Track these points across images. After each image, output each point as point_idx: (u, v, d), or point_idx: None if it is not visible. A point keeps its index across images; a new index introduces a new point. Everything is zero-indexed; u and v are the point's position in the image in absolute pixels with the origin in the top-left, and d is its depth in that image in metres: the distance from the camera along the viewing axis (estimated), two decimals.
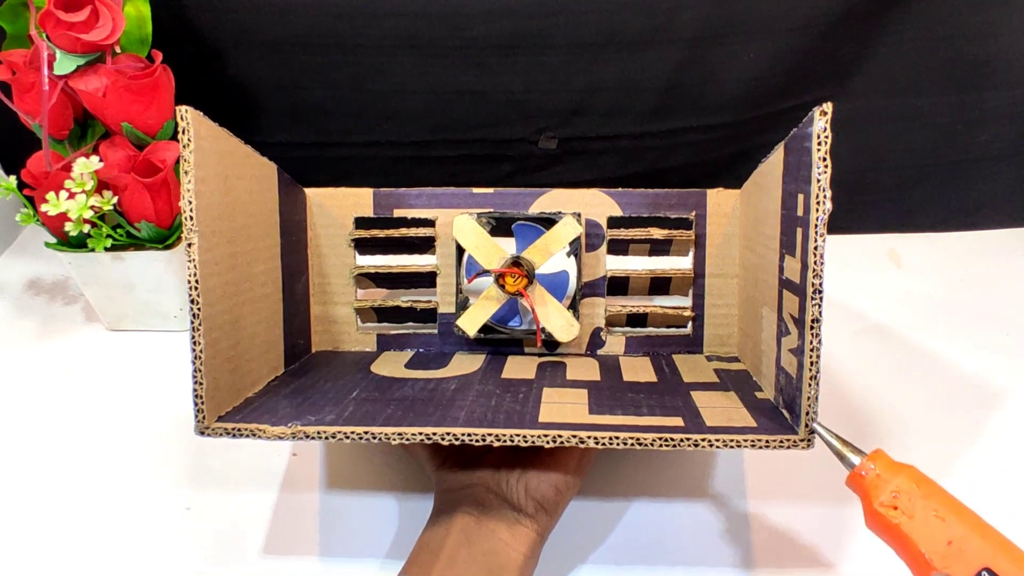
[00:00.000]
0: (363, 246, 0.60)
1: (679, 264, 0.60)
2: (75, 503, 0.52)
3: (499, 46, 0.71)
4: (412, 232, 0.59)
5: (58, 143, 0.62)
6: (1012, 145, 0.81)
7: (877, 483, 0.37)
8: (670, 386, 0.51)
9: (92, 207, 0.58)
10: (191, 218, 0.42)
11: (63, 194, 0.58)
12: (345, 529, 0.52)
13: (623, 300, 0.60)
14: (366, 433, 0.41)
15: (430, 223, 0.58)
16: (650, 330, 0.60)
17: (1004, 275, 0.78)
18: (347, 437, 0.41)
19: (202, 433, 0.42)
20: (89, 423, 0.59)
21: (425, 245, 0.60)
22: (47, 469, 0.55)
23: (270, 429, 0.42)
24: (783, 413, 0.45)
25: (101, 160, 0.59)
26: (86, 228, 0.59)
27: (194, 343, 0.42)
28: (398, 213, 0.58)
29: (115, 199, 0.60)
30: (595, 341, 0.59)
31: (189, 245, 0.42)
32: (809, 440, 0.41)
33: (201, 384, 0.42)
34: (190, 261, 0.42)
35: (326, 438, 0.41)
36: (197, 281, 0.42)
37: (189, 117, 0.42)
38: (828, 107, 0.40)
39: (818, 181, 0.40)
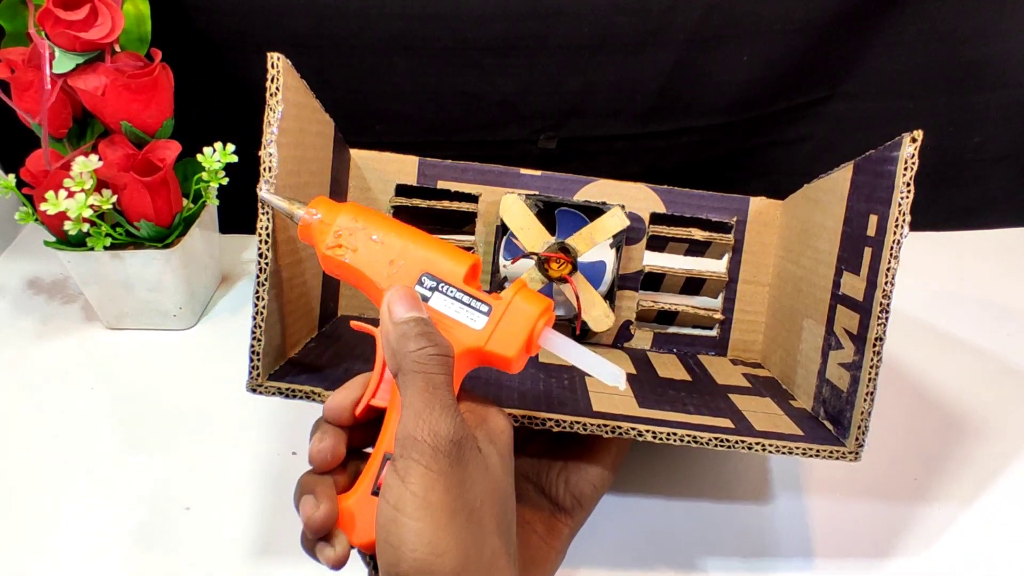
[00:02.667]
0: (401, 215, 0.58)
1: (714, 267, 0.60)
2: (75, 502, 0.53)
3: (495, 48, 0.71)
4: (454, 206, 0.58)
5: (57, 142, 0.63)
6: (1006, 146, 0.82)
7: (322, 228, 0.37)
8: (706, 386, 0.51)
9: (91, 206, 0.58)
10: (269, 169, 0.41)
11: (62, 193, 0.58)
12: None
13: (656, 296, 0.61)
14: None
15: (473, 199, 0.58)
16: (678, 329, 0.61)
17: (1002, 275, 0.78)
18: None
19: (254, 391, 0.41)
20: (88, 422, 0.59)
21: (465, 221, 0.59)
22: (46, 468, 0.55)
23: (325, 393, 0.41)
24: (824, 424, 0.46)
25: (100, 159, 0.59)
26: (85, 227, 0.59)
27: (257, 298, 0.41)
28: (442, 185, 0.58)
29: (114, 198, 0.60)
30: (624, 334, 0.59)
31: None
32: (857, 453, 0.42)
33: (259, 340, 0.41)
34: (264, 214, 0.41)
35: None
36: (269, 235, 0.41)
37: (280, 65, 0.41)
38: (918, 134, 0.40)
39: (899, 205, 0.40)
